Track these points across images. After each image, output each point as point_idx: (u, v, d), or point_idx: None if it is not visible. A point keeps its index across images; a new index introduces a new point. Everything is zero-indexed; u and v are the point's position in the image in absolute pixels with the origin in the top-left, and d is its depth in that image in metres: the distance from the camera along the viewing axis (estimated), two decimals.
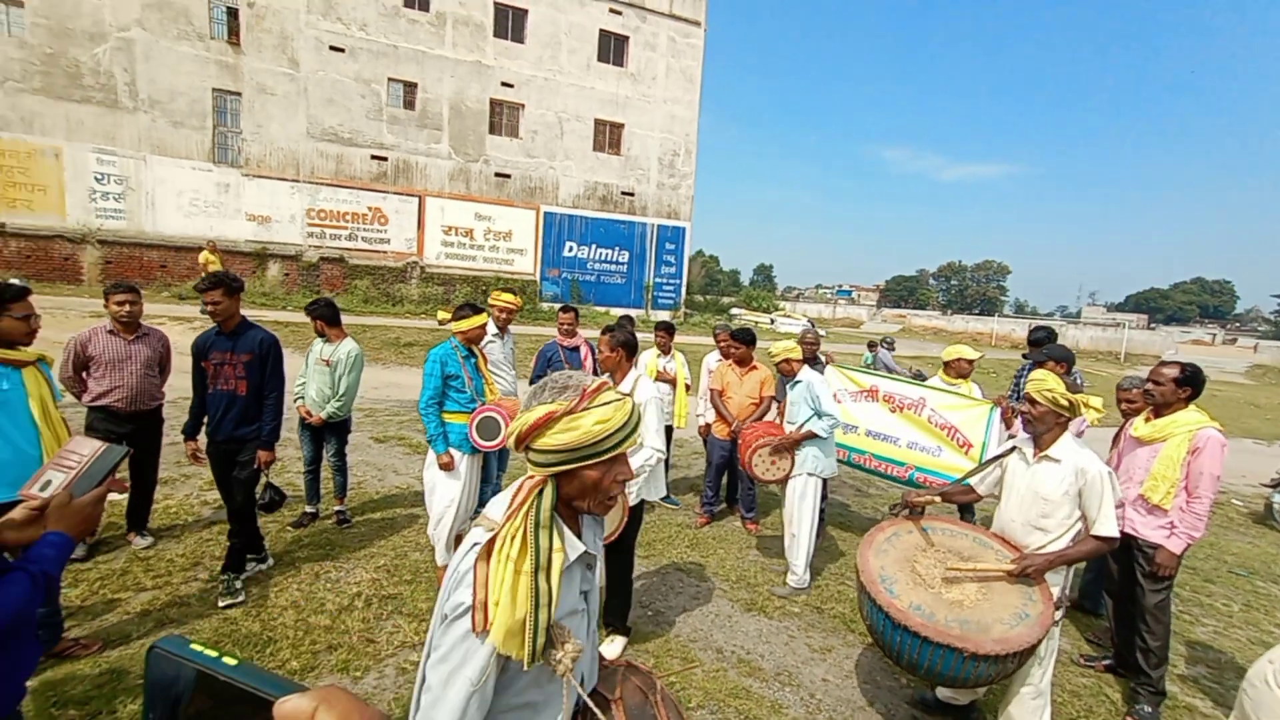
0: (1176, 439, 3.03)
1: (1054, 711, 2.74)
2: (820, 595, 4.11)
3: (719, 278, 71.47)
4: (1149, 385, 3.21)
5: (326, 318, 4.36)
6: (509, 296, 4.69)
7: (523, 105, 21.18)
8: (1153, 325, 56.23)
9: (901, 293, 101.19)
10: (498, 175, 21.05)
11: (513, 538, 1.09)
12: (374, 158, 19.39)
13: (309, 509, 4.52)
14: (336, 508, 4.60)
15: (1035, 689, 2.52)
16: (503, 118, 21.15)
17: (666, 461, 5.73)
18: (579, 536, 1.24)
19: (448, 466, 3.59)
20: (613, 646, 3.21)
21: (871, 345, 10.37)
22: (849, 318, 47.70)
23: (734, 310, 31.32)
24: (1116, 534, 2.44)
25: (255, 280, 17.30)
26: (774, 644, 3.48)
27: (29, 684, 2.53)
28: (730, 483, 5.47)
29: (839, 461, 4.98)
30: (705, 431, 5.34)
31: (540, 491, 1.15)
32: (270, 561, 3.77)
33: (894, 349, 10.70)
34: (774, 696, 3.00)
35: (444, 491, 3.62)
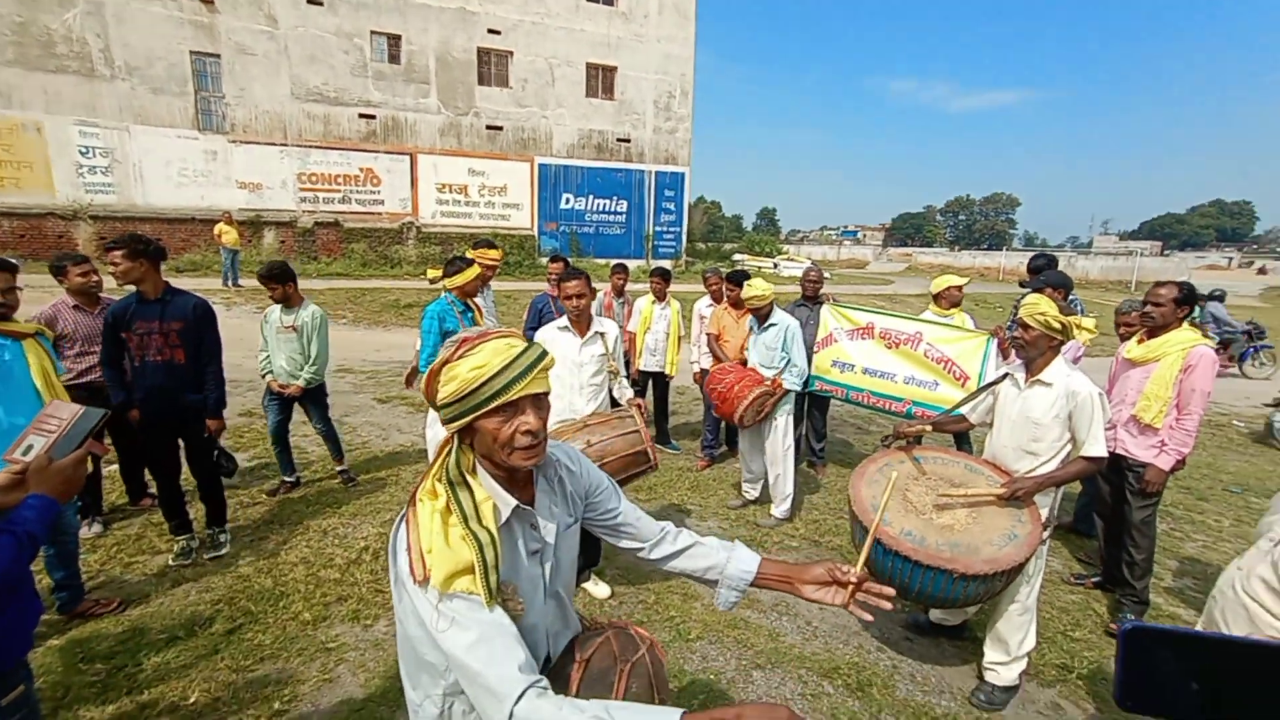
0: (1170, 358, 3.01)
1: (1041, 626, 2.83)
2: (818, 529, 4.20)
3: (721, 224, 70.18)
4: (1148, 308, 3.15)
5: (293, 279, 4.20)
6: (494, 253, 4.56)
7: (511, 52, 20.41)
8: (1166, 252, 55.08)
9: (909, 230, 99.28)
10: (489, 128, 20.50)
11: (432, 494, 1.08)
12: (362, 116, 18.90)
13: (287, 478, 4.44)
14: (339, 468, 4.63)
15: (1022, 605, 2.58)
16: (491, 67, 20.43)
17: (666, 409, 5.78)
18: (531, 502, 1.20)
19: None
20: (599, 588, 3.33)
21: (1200, 299, 10.01)
22: (854, 258, 47.04)
23: (736, 256, 30.88)
24: (1105, 454, 2.45)
25: (251, 249, 17.18)
26: None
27: (55, 642, 2.68)
28: (730, 426, 5.51)
29: (839, 400, 5.02)
30: (701, 378, 5.35)
31: (450, 450, 1.12)
32: (197, 543, 3.52)
33: (1224, 300, 10.34)
34: (771, 625, 3.10)
35: None
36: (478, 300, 4.02)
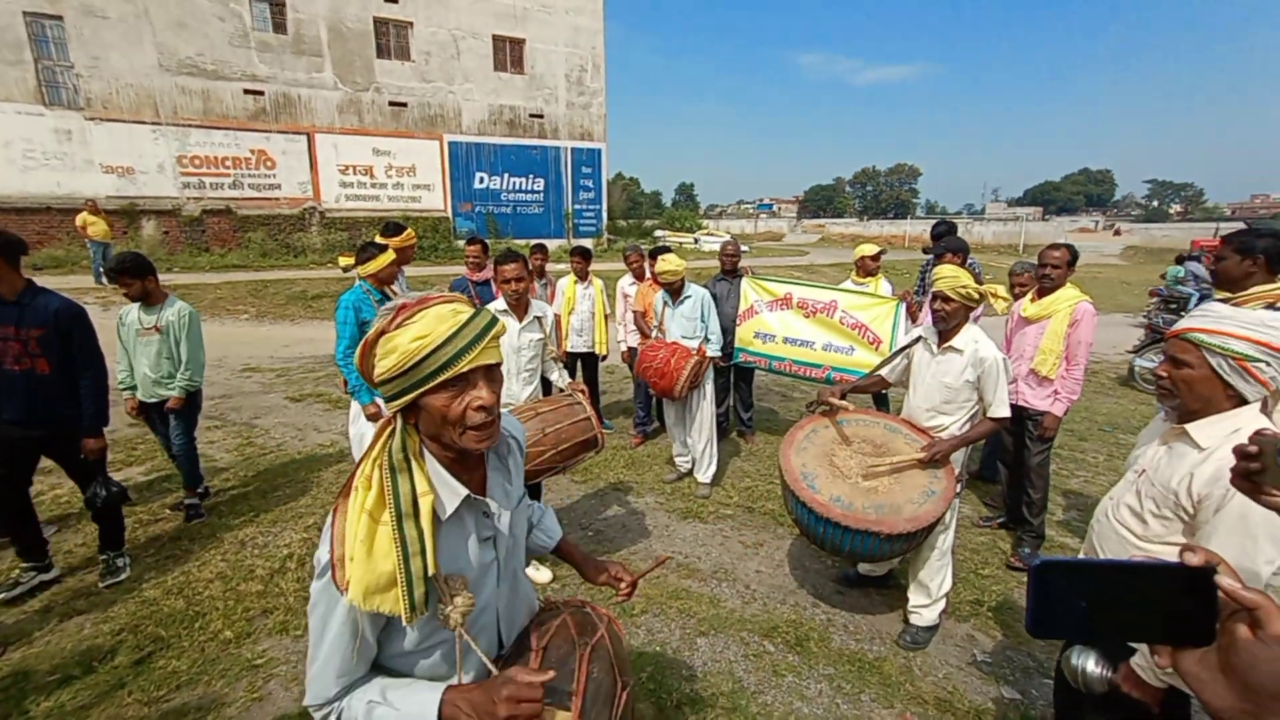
0: (1060, 314, 3.31)
1: (956, 567, 3.06)
2: (750, 495, 4.35)
3: (640, 200, 70.15)
4: (1048, 270, 3.41)
5: (152, 272, 3.67)
6: (408, 234, 4.34)
7: (410, 23, 19.25)
8: (1047, 217, 60.16)
9: (820, 202, 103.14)
10: (392, 104, 19.34)
11: (367, 485, 0.98)
12: (248, 92, 17.31)
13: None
14: (187, 500, 3.91)
15: (940, 551, 2.79)
16: (390, 39, 19.21)
17: (597, 389, 5.77)
18: (482, 486, 1.14)
19: (375, 416, 3.46)
20: (540, 573, 3.31)
21: (1179, 259, 11.58)
22: (770, 231, 48.40)
23: (657, 232, 31.02)
24: (1009, 414, 2.66)
25: (128, 241, 15.51)
26: (710, 545, 3.68)
27: None
28: (660, 402, 5.57)
29: (763, 369, 5.18)
30: (630, 356, 5.36)
31: (393, 430, 1.02)
32: (54, 572, 3.20)
33: (1201, 259, 11.38)
34: (712, 592, 3.20)
35: None
36: (395, 288, 3.81)
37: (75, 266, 13.73)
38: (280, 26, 17.56)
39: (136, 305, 3.71)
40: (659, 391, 4.18)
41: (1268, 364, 1.38)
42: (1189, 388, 1.48)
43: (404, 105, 19.51)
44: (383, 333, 0.97)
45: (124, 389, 3.79)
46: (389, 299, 3.61)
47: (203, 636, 2.76)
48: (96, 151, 15.75)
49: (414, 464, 1.01)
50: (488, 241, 4.96)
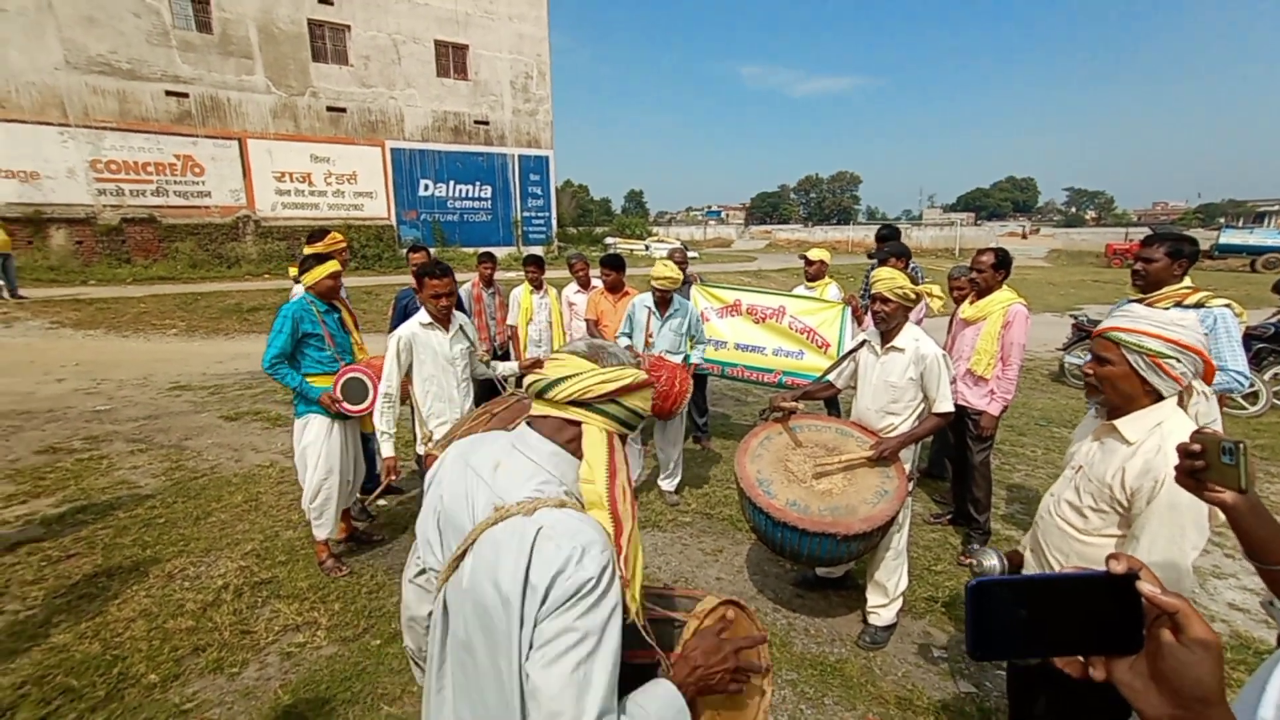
0: (994, 316, 3.44)
1: (910, 564, 3.13)
2: (708, 501, 4.35)
3: (590, 208, 70.09)
4: (974, 274, 3.58)
5: None
6: (335, 236, 4.11)
7: (348, 26, 18.67)
8: (979, 222, 63.39)
9: (766, 209, 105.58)
10: (330, 110, 18.68)
11: (624, 495, 1.00)
12: (170, 94, 16.37)
13: None
14: None
15: (895, 550, 2.84)
16: (326, 42, 18.56)
17: None
18: None
19: (330, 405, 3.27)
20: None
21: None
22: (719, 238, 49.11)
23: (608, 240, 31.05)
24: (953, 409, 2.73)
25: (35, 251, 14.37)
26: (669, 554, 3.65)
27: None
28: None
29: (716, 375, 5.21)
30: None
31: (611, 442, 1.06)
32: None
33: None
34: None
35: (322, 460, 3.32)
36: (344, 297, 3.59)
37: None
38: (205, 25, 16.72)
39: None
40: (657, 413, 4.05)
41: (1178, 360, 1.47)
42: (1111, 384, 1.55)
43: (343, 110, 18.88)
44: (648, 384, 1.10)
45: None
46: (336, 311, 3.44)
47: (122, 682, 2.53)
48: None
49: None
50: (433, 249, 4.82)
